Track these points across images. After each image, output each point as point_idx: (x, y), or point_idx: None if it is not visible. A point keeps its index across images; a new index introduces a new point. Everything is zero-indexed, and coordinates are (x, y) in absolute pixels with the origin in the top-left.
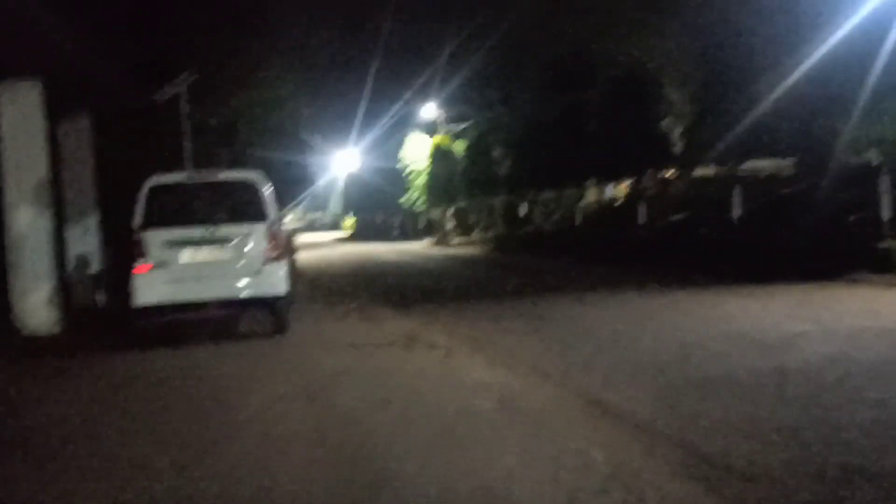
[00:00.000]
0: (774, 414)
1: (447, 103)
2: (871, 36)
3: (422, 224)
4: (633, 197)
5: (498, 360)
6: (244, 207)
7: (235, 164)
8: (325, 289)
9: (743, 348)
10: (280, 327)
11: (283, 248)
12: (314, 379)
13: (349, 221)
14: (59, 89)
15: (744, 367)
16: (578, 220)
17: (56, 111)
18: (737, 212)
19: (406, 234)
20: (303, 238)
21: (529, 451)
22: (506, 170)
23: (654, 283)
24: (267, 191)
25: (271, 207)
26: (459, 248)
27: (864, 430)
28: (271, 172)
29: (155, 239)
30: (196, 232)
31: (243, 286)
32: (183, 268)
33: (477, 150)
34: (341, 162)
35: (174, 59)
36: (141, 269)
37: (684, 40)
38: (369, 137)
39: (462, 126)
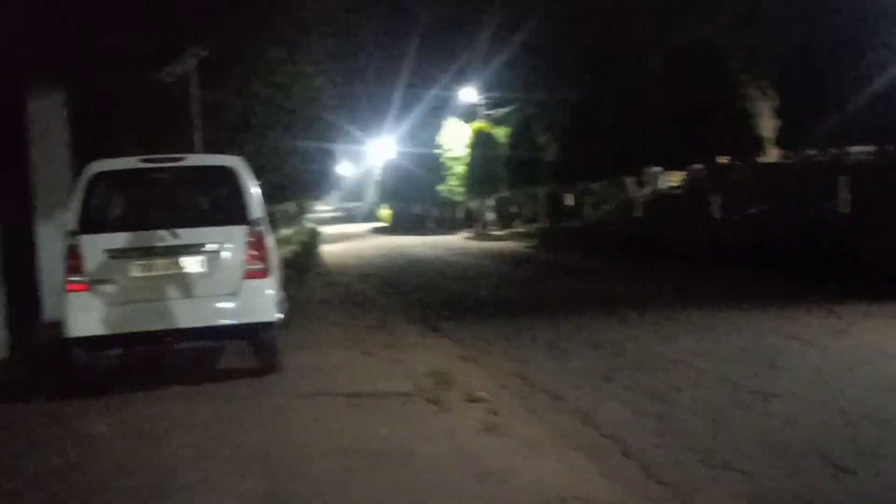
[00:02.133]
0: None
1: (487, 87)
2: None
3: (459, 214)
4: (699, 186)
5: (572, 436)
6: (219, 204)
7: (257, 153)
8: (344, 291)
9: None
10: (267, 364)
11: (272, 258)
12: (283, 478)
13: (385, 212)
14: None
15: None
16: (638, 212)
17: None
18: (843, 205)
19: (442, 225)
20: (334, 229)
21: None
22: (551, 157)
23: (759, 297)
24: (250, 182)
25: (256, 205)
26: (499, 241)
27: None
28: (296, 160)
29: (94, 247)
30: (152, 238)
31: (216, 311)
32: (133, 287)
33: (520, 136)
34: (377, 150)
35: (183, 35)
36: (75, 288)
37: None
38: (406, 124)
39: (503, 111)
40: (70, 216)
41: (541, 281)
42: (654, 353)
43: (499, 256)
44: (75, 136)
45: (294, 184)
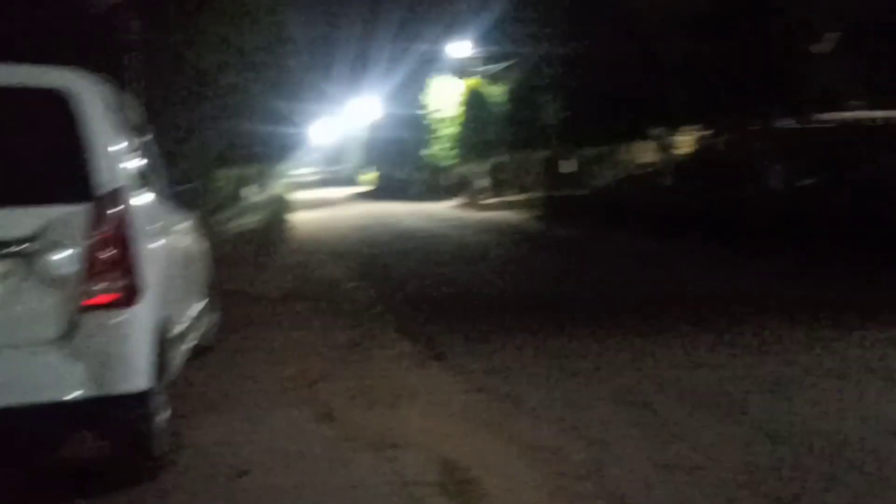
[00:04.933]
0: None
1: (482, 40)
2: None
3: (450, 181)
4: (747, 149)
5: None
6: (35, 163)
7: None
8: (313, 280)
9: None
10: (144, 461)
11: (152, 265)
12: None
13: (369, 175)
14: None
15: None
16: (666, 180)
17: None
18: None
19: (430, 191)
20: (312, 194)
21: None
22: (555, 117)
23: None
24: (104, 122)
25: (111, 163)
26: (495, 211)
27: None
28: (269, 123)
29: None
30: None
31: (13, 381)
32: None
33: (520, 95)
34: (360, 110)
35: None
36: None
37: None
38: (392, 82)
39: (499, 67)
40: None
41: (568, 266)
42: (835, 431)
43: (500, 230)
44: None
45: (250, 147)
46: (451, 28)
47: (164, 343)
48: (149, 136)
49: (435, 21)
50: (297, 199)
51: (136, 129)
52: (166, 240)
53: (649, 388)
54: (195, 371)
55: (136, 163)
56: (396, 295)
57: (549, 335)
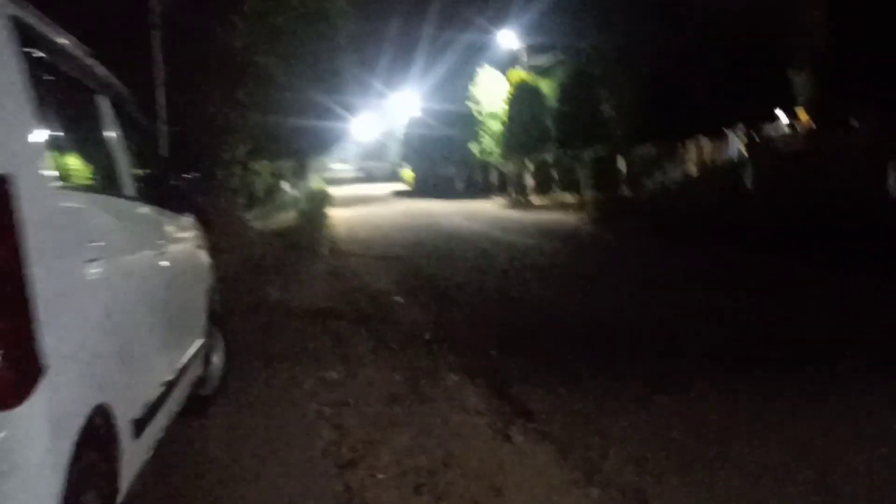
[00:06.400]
0: None
1: (530, 32)
2: None
3: (493, 178)
4: (860, 149)
5: None
6: None
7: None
8: (351, 297)
9: None
10: None
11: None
12: None
13: (408, 173)
14: None
15: None
16: (747, 182)
17: None
18: None
19: (473, 189)
20: (351, 190)
21: None
22: (610, 112)
23: None
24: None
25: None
26: (545, 212)
27: None
28: (309, 116)
29: None
30: None
31: None
32: None
33: (572, 89)
34: (402, 105)
35: None
36: None
37: None
38: (434, 76)
39: (550, 60)
40: None
41: (653, 287)
42: None
43: (556, 235)
44: None
45: (288, 140)
46: (498, 20)
47: (103, 447)
48: (107, 104)
49: (480, 13)
50: (336, 195)
51: (83, 89)
52: (123, 263)
53: None
54: (177, 447)
55: (65, 138)
56: (450, 315)
57: (666, 384)
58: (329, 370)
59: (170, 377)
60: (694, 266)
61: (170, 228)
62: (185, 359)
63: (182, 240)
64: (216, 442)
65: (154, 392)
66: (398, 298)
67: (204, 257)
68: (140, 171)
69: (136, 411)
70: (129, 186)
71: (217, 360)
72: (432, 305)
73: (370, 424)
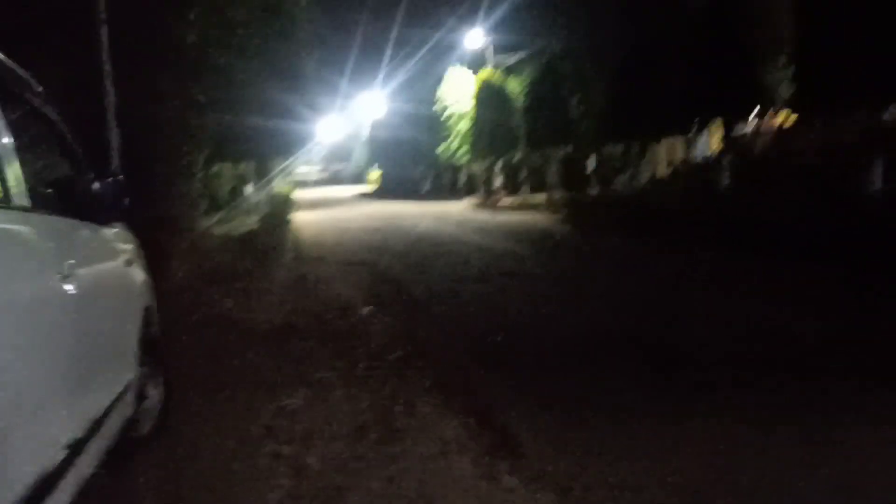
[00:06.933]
0: None
1: (496, 30)
2: None
3: (462, 179)
4: (843, 147)
5: None
6: None
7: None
8: (316, 308)
9: None
10: None
11: None
12: None
13: (373, 174)
14: None
15: None
16: (723, 181)
17: None
18: None
19: (439, 191)
20: (316, 193)
21: None
22: (578, 112)
23: None
24: None
25: None
26: (515, 212)
27: None
28: (270, 116)
29: None
30: None
31: None
32: None
33: (539, 88)
34: (368, 106)
35: None
36: None
37: None
38: (400, 76)
39: (516, 57)
40: None
41: (638, 290)
42: None
43: (528, 237)
44: None
45: (249, 141)
46: (464, 18)
47: None
48: None
49: (447, 11)
50: (301, 198)
51: None
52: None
53: None
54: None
55: None
56: (423, 327)
57: (677, 403)
58: (289, 397)
59: (77, 435)
60: (676, 268)
61: (83, 244)
62: (103, 405)
63: (103, 256)
64: (146, 502)
65: (50, 461)
66: (366, 310)
67: (137, 275)
68: (42, 176)
69: (26, 477)
70: (20, 195)
71: (154, 393)
72: (403, 316)
73: (335, 467)
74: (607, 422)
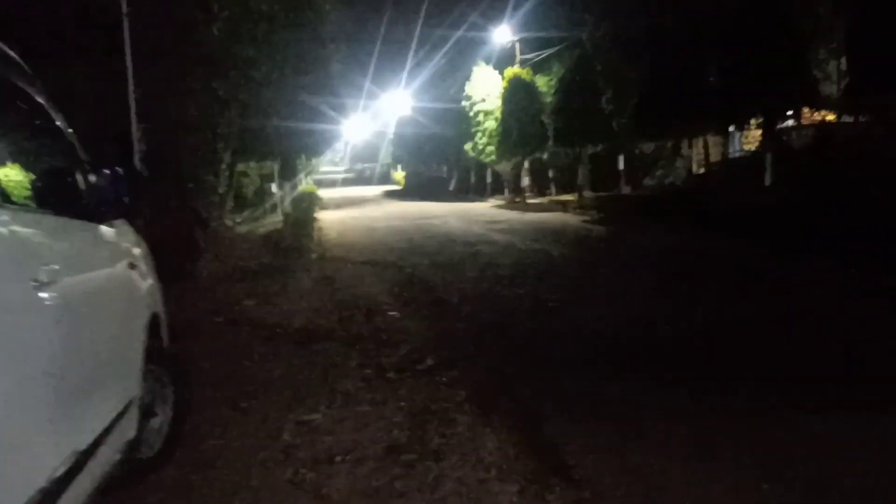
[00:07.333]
0: None
1: (526, 24)
2: None
3: (490, 178)
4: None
5: None
6: None
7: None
8: (340, 311)
9: None
10: None
11: None
12: None
13: (399, 174)
14: None
15: None
16: (767, 178)
17: None
18: None
19: (466, 190)
20: (342, 192)
21: None
22: (609, 109)
23: None
24: None
25: None
26: (545, 212)
27: None
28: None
29: None
30: None
31: None
32: None
33: (569, 85)
34: (394, 105)
35: None
36: None
37: None
38: (425, 74)
39: (545, 54)
40: None
41: (690, 292)
42: None
43: (562, 236)
44: None
45: (275, 141)
46: (490, 15)
47: None
48: None
49: (472, 8)
50: (327, 198)
51: None
52: None
53: None
54: None
55: None
56: (455, 332)
57: (748, 414)
58: (312, 411)
59: (56, 474)
60: (722, 268)
61: (72, 245)
62: (94, 432)
63: (98, 259)
64: None
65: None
66: (394, 313)
67: (142, 280)
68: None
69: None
70: None
71: (163, 411)
72: (433, 320)
73: (363, 493)
74: (659, 432)
